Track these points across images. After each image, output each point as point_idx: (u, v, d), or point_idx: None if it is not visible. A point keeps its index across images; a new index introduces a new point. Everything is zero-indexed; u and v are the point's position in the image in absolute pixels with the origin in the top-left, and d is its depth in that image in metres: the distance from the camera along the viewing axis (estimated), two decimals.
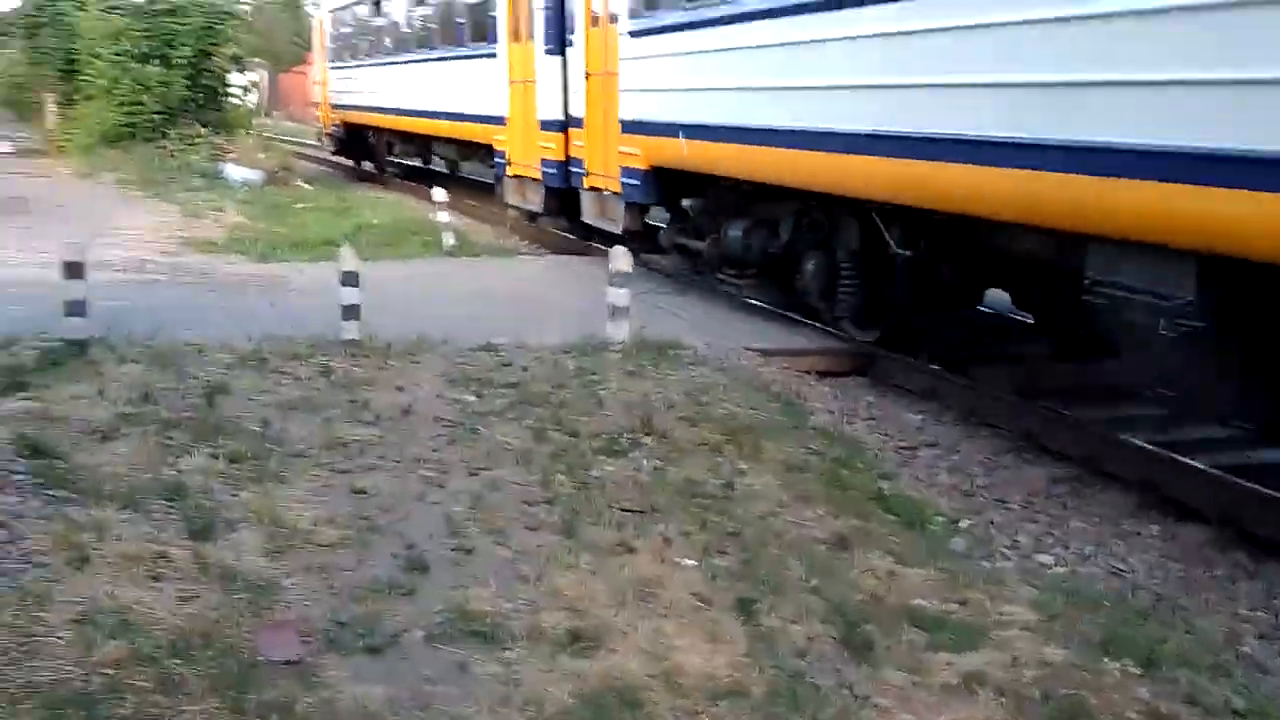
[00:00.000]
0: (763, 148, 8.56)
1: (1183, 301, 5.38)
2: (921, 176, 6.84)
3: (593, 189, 12.22)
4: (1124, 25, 5.36)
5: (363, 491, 5.10)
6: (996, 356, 7.97)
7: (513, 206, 15.01)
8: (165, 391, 6.34)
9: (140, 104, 19.08)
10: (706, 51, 9.46)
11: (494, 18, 14.46)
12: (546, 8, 12.75)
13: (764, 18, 8.39)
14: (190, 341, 7.52)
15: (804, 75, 7.96)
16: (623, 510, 5.07)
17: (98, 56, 19.01)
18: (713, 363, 7.90)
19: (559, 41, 12.62)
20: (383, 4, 20.34)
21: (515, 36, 13.90)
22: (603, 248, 13.22)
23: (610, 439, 6.03)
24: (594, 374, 7.35)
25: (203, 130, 19.55)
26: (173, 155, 18.68)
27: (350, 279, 7.42)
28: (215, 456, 5.26)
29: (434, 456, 5.67)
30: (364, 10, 21.62)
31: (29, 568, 3.59)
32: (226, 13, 20.97)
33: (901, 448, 6.90)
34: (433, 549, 4.52)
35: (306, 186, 19.11)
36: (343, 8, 23.27)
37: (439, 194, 13.63)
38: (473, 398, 6.71)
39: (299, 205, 16.67)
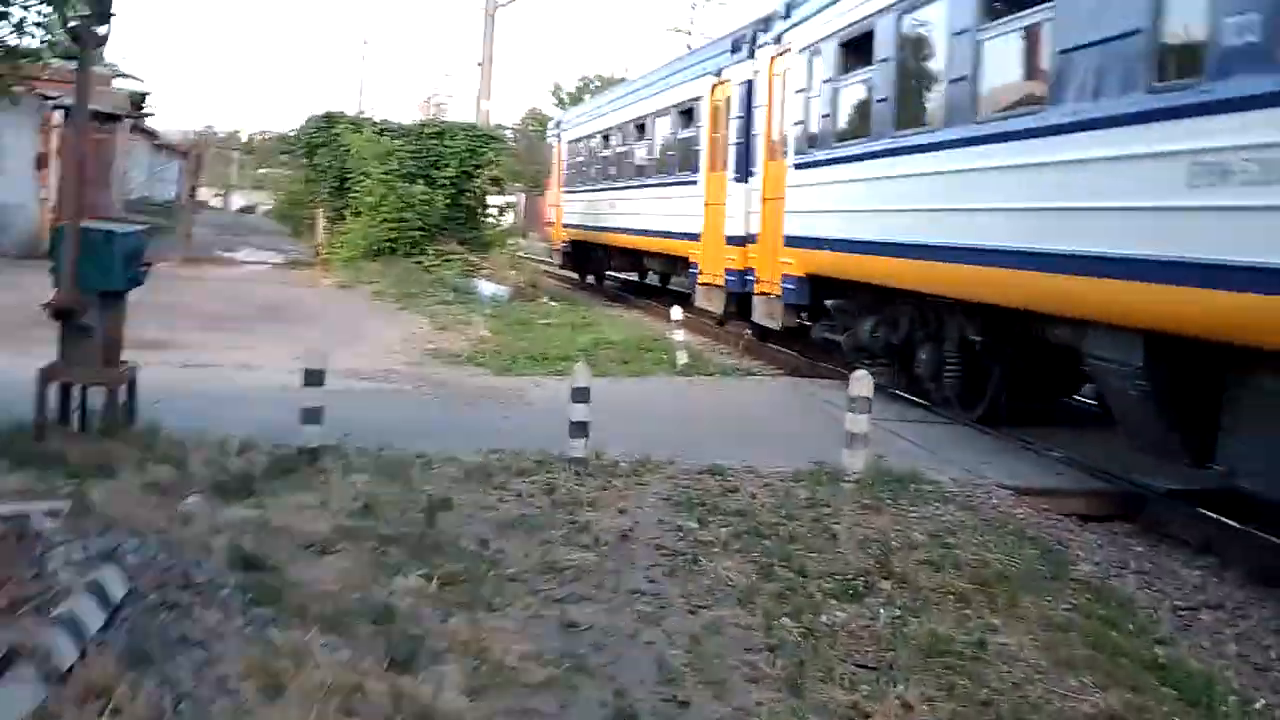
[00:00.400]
0: (884, 258, 10.37)
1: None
2: (975, 277, 8.77)
3: (761, 294, 14.44)
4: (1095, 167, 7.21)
5: (574, 625, 4.79)
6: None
7: (702, 310, 17.17)
8: (388, 504, 6.29)
9: (403, 220, 20.16)
10: (842, 181, 11.54)
11: (697, 151, 17.19)
12: (736, 143, 15.23)
13: (884, 156, 10.49)
14: (420, 453, 7.52)
15: (906, 201, 9.98)
16: (856, 666, 4.54)
17: (367, 175, 20.26)
18: (959, 499, 7.25)
19: (745, 171, 14.97)
20: (610, 138, 23.17)
21: (712, 167, 16.55)
22: (838, 369, 12.85)
23: (843, 581, 5.52)
24: (826, 505, 6.86)
25: (459, 247, 20.41)
26: (429, 270, 19.53)
27: (580, 395, 7.26)
28: (429, 578, 5.08)
29: (651, 589, 5.32)
30: (595, 142, 24.65)
31: (220, 695, 3.42)
32: (490, 137, 22.06)
33: (1180, 608, 6.03)
34: (644, 698, 4.12)
35: (551, 303, 19.55)
36: (575, 140, 26.56)
37: (676, 313, 13.56)
38: (695, 524, 6.34)
39: (542, 320, 16.99)
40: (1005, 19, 8.48)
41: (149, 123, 30.43)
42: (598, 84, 45.23)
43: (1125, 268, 6.74)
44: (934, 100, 9.78)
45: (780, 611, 5.06)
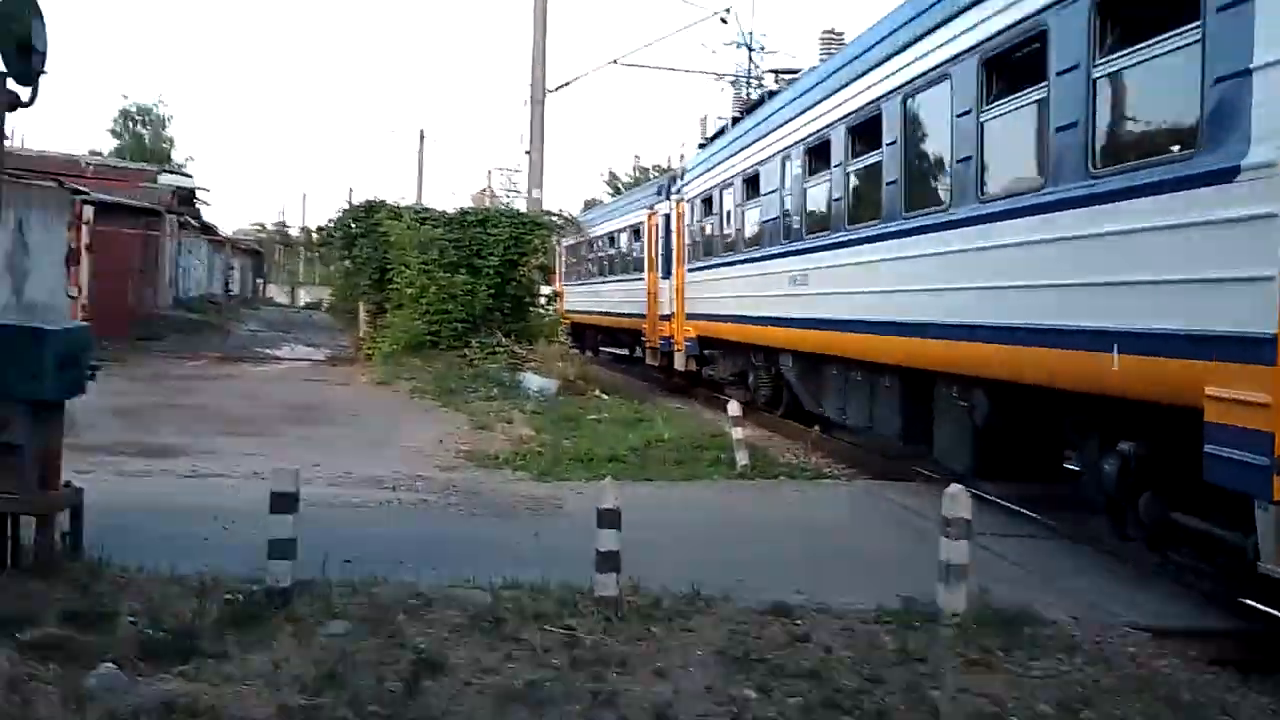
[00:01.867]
0: (733, 325, 17.00)
1: None
2: (763, 334, 15.58)
3: (677, 350, 21.06)
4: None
5: None
6: None
7: (649, 365, 24.16)
8: (364, 666, 4.98)
9: (445, 312, 19.13)
10: (710, 280, 18.36)
11: (642, 258, 24.50)
12: (662, 254, 22.36)
13: (720, 266, 17.80)
14: (418, 592, 6.22)
15: (738, 291, 16.51)
16: None
17: (407, 265, 19.31)
18: (1087, 649, 5.75)
19: (667, 272, 21.95)
20: (595, 245, 30.48)
21: (650, 269, 23.53)
22: (926, 473, 11.35)
23: None
24: (922, 661, 5.42)
25: (505, 339, 19.31)
26: (472, 364, 18.43)
27: (609, 519, 5.91)
28: None
29: None
30: (583, 249, 32.01)
31: None
32: (535, 223, 21.08)
33: None
34: None
35: (602, 396, 18.30)
36: (571, 245, 32.73)
37: (734, 408, 12.20)
38: (754, 693, 4.93)
39: (592, 417, 15.72)
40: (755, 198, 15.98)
41: (211, 218, 30.09)
42: (655, 171, 44.67)
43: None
44: (738, 236, 17.04)
45: None
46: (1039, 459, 9.21)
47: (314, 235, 24.86)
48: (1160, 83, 6.69)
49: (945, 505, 5.97)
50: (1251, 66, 5.54)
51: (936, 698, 4.95)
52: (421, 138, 60.93)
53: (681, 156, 23.93)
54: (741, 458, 11.71)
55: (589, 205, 45.90)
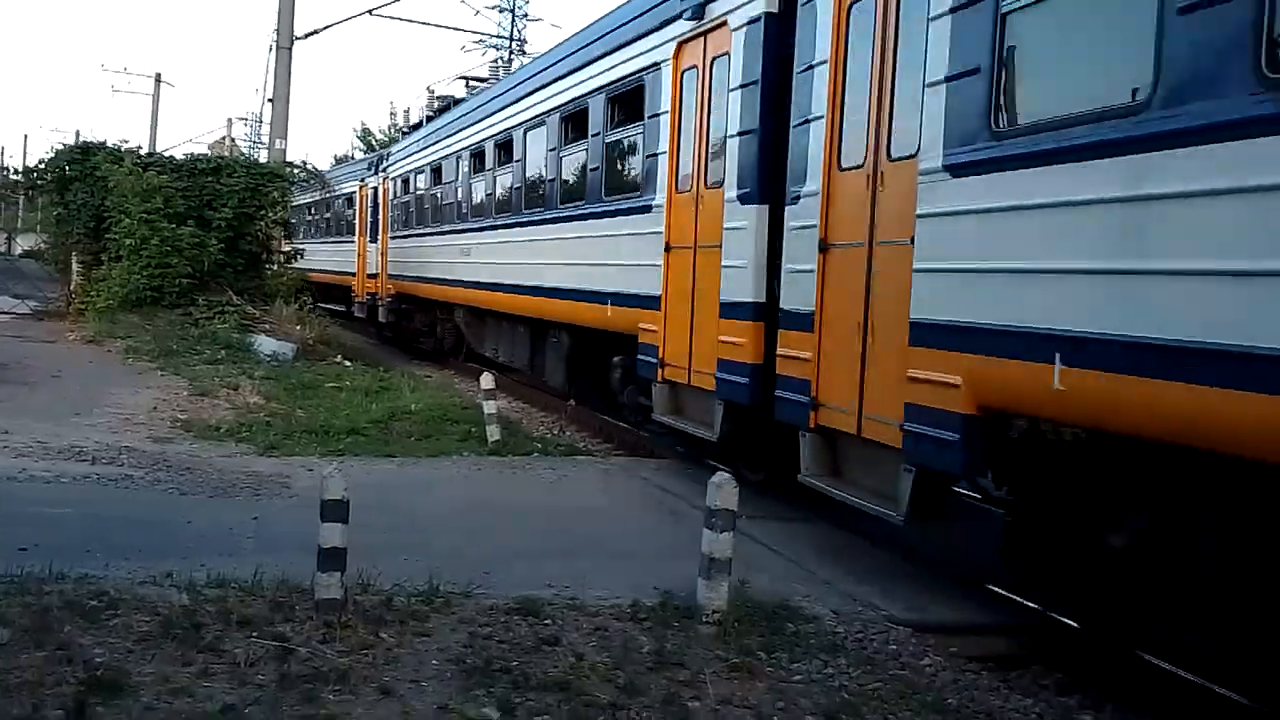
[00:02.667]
0: (427, 285, 19.69)
1: None
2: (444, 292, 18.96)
3: (381, 305, 23.84)
4: None
5: None
6: None
7: (357, 318, 26.07)
8: (19, 687, 4.05)
9: (169, 266, 17.38)
10: (405, 248, 21.64)
11: (354, 224, 26.92)
12: (370, 221, 25.07)
13: (418, 236, 21.06)
14: (105, 590, 5.27)
15: (426, 257, 19.69)
16: None
17: (127, 214, 17.46)
18: (850, 647, 5.44)
19: (375, 236, 24.45)
20: (321, 207, 30.89)
21: (361, 232, 25.99)
22: (677, 447, 11.05)
23: None
24: (681, 666, 4.95)
25: (235, 298, 17.78)
26: (198, 324, 16.86)
27: (334, 512, 5.11)
28: None
29: None
30: (312, 209, 31.87)
31: None
32: (275, 174, 19.52)
33: None
34: None
35: (345, 363, 17.15)
36: (304, 205, 31.69)
37: (486, 380, 11.49)
38: (495, 712, 4.30)
39: (331, 384, 14.63)
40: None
41: None
42: (405, 129, 43.08)
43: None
44: (428, 214, 19.91)
45: None
46: (600, 379, 12.23)
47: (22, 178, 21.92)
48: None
49: (710, 495, 5.51)
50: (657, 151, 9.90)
51: (696, 711, 4.48)
52: (158, 81, 56.57)
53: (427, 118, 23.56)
54: (493, 433, 11.04)
55: (339, 161, 43.77)
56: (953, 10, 5.79)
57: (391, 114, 53.78)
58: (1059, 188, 4.99)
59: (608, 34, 11.32)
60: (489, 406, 11.25)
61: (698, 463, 10.33)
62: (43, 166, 20.60)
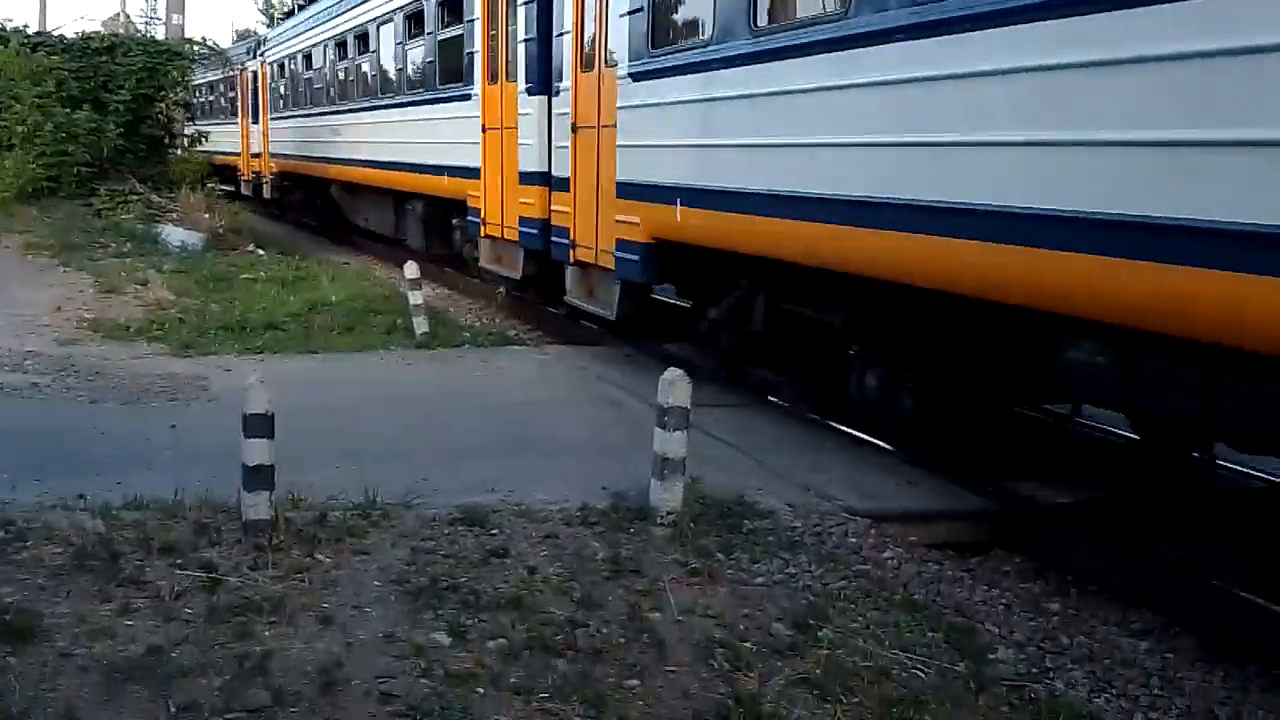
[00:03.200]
0: (300, 163, 21.35)
1: None
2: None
3: (265, 183, 25.29)
4: None
5: None
6: None
7: (244, 196, 26.22)
8: None
9: (65, 154, 16.35)
10: (286, 128, 23.04)
11: (238, 105, 28.65)
12: (253, 104, 25.76)
13: (305, 118, 21.77)
14: (10, 519, 4.86)
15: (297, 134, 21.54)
16: None
17: (18, 99, 16.32)
18: (811, 545, 5.24)
19: (257, 118, 25.37)
20: (212, 88, 30.48)
21: (244, 114, 27.33)
22: (622, 339, 10.77)
23: None
24: (637, 573, 4.72)
25: (140, 186, 16.83)
26: (100, 214, 15.95)
27: (258, 426, 4.71)
28: None
29: None
30: (204, 90, 31.59)
31: None
32: (175, 53, 18.36)
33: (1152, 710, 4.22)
34: None
35: (258, 251, 16.40)
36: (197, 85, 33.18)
37: (411, 269, 10.96)
38: (446, 637, 4.03)
39: (245, 275, 13.95)
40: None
41: None
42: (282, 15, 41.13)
43: None
44: (303, 96, 21.03)
45: None
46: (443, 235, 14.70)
47: None
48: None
49: (661, 392, 5.20)
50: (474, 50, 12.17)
51: (659, 623, 4.25)
52: None
53: None
54: (420, 325, 10.57)
55: (241, 37, 41.69)
56: None
57: None
58: (675, 91, 7.75)
59: None
60: (414, 297, 10.75)
61: (635, 348, 10.05)
62: None
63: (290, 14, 24.86)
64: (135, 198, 16.47)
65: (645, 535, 5.13)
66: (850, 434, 7.35)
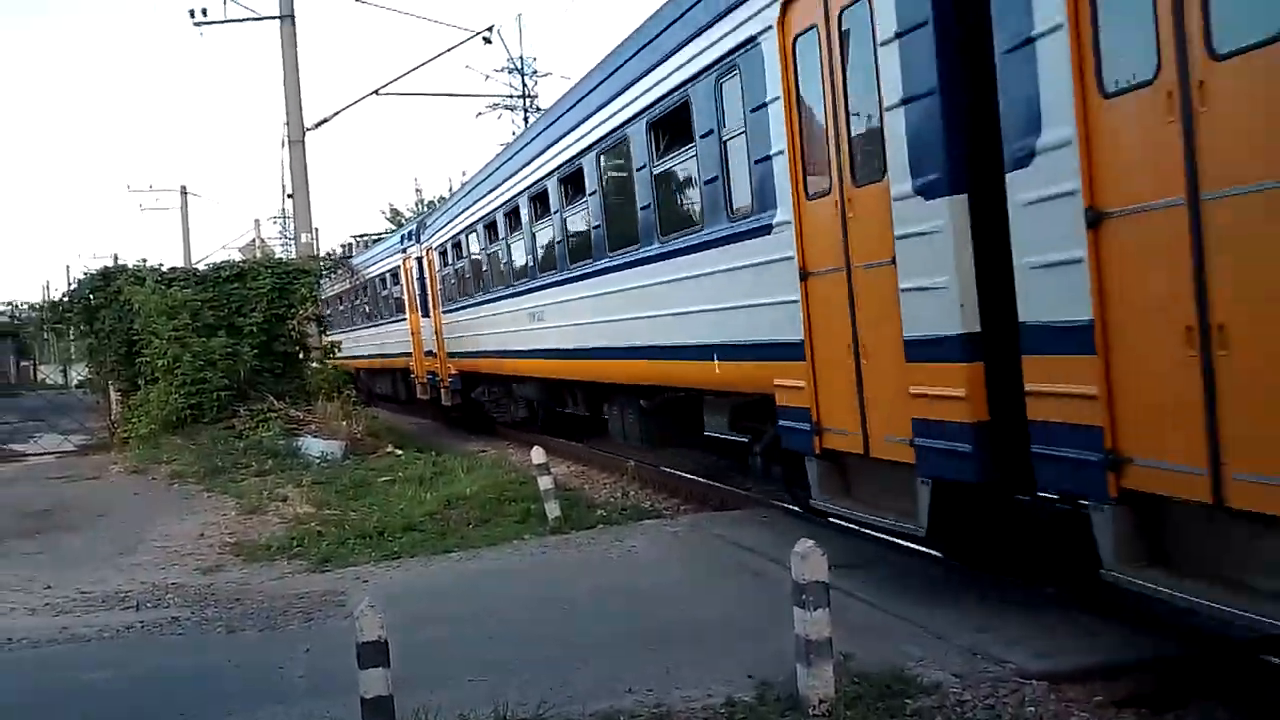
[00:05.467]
0: (478, 359, 18.79)
1: None
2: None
3: (443, 387, 21.72)
4: None
5: None
6: None
7: (421, 399, 24.49)
8: None
9: (205, 381, 17.03)
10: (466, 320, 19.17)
11: (403, 300, 24.80)
12: (420, 296, 23.05)
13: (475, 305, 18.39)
14: None
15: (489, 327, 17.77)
16: None
17: (155, 334, 17.16)
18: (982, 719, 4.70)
19: (426, 311, 22.44)
20: (359, 290, 29.96)
21: (412, 309, 23.76)
22: (748, 492, 10.41)
23: None
24: None
25: (276, 403, 17.36)
26: (241, 435, 16.44)
27: (372, 655, 4.48)
28: None
29: None
30: (347, 295, 31.49)
31: None
32: (301, 271, 19.17)
33: None
34: None
35: (396, 452, 16.63)
36: (338, 293, 31.83)
37: (538, 454, 10.85)
38: None
39: (384, 478, 14.08)
40: None
41: None
42: (438, 200, 42.97)
43: None
44: (493, 271, 17.39)
45: None
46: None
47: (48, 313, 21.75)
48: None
49: (795, 568, 4.81)
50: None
51: None
52: (184, 194, 57.26)
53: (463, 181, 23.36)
54: (552, 509, 10.38)
55: (357, 245, 43.75)
56: None
57: (417, 190, 53.98)
58: None
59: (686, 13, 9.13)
60: (544, 482, 10.61)
61: (772, 508, 9.64)
62: (66, 300, 20.47)
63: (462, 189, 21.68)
64: (274, 414, 16.97)
65: None
66: (1009, 580, 6.77)
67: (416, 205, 48.91)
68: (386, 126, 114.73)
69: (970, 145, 5.81)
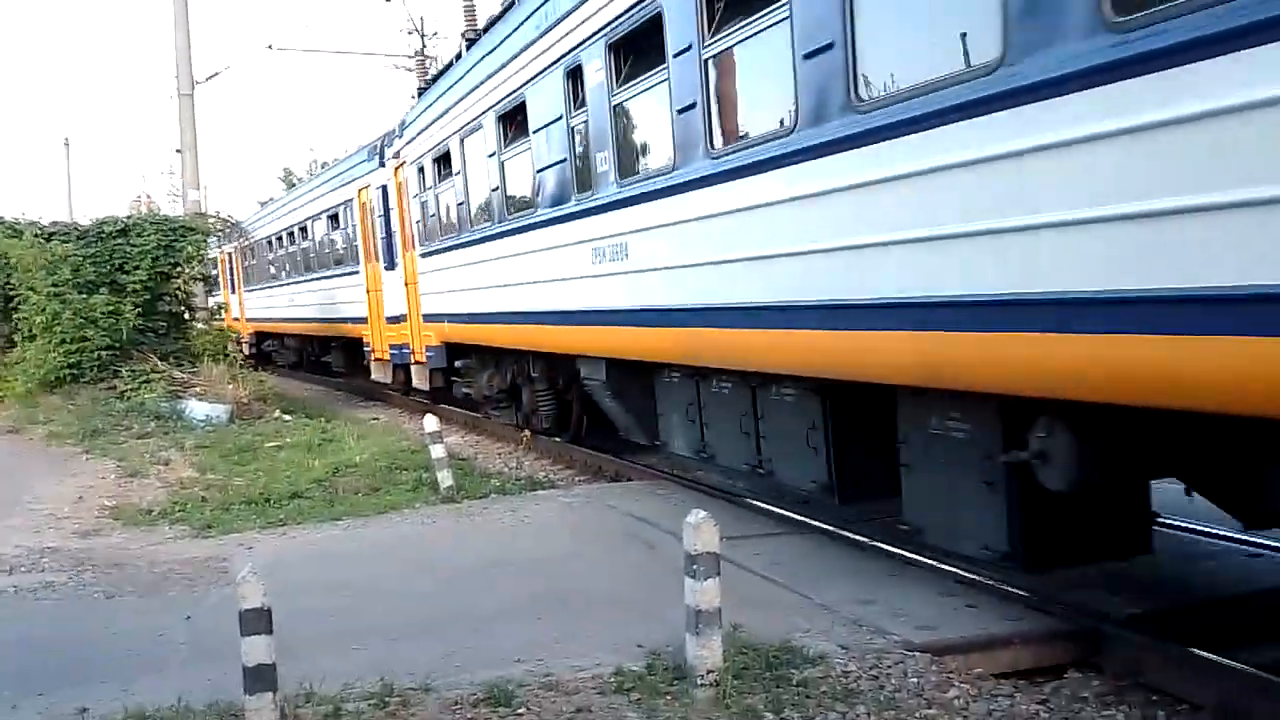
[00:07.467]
0: (487, 326, 12.79)
1: None
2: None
3: (416, 364, 16.30)
4: None
5: None
6: None
7: (382, 383, 19.40)
8: None
9: (85, 339, 16.42)
10: (461, 266, 13.30)
11: (357, 247, 19.41)
12: (384, 240, 17.21)
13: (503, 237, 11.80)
14: None
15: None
16: None
17: (34, 290, 16.50)
18: (868, 691, 4.79)
19: (392, 262, 16.95)
20: (283, 240, 26.20)
21: (368, 258, 18.45)
22: (642, 465, 10.46)
23: None
24: None
25: (160, 364, 16.83)
26: (123, 396, 15.92)
27: (254, 622, 4.37)
28: None
29: None
30: (266, 249, 28.31)
31: None
32: (188, 228, 18.54)
33: None
34: None
35: (284, 417, 16.29)
36: (250, 246, 29.25)
37: (431, 422, 10.72)
38: None
39: (271, 444, 13.79)
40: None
41: None
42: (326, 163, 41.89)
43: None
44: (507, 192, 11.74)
45: None
46: None
47: None
48: None
49: (687, 538, 4.83)
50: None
51: None
52: (67, 145, 55.09)
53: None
54: (445, 479, 10.28)
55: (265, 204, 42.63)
56: None
57: (310, 151, 52.67)
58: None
59: None
60: (436, 450, 10.49)
61: (668, 481, 9.69)
62: None
63: (436, 77, 15.63)
64: (157, 375, 16.46)
65: (686, 698, 4.71)
66: (899, 554, 6.93)
67: (309, 169, 47.72)
68: (284, 88, 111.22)
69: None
